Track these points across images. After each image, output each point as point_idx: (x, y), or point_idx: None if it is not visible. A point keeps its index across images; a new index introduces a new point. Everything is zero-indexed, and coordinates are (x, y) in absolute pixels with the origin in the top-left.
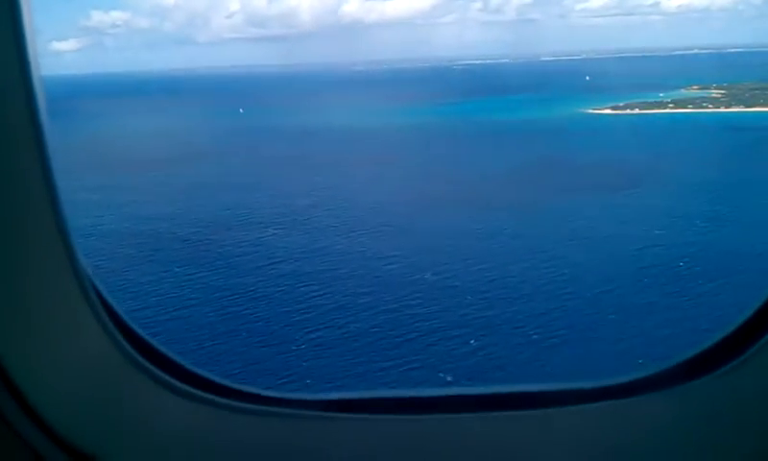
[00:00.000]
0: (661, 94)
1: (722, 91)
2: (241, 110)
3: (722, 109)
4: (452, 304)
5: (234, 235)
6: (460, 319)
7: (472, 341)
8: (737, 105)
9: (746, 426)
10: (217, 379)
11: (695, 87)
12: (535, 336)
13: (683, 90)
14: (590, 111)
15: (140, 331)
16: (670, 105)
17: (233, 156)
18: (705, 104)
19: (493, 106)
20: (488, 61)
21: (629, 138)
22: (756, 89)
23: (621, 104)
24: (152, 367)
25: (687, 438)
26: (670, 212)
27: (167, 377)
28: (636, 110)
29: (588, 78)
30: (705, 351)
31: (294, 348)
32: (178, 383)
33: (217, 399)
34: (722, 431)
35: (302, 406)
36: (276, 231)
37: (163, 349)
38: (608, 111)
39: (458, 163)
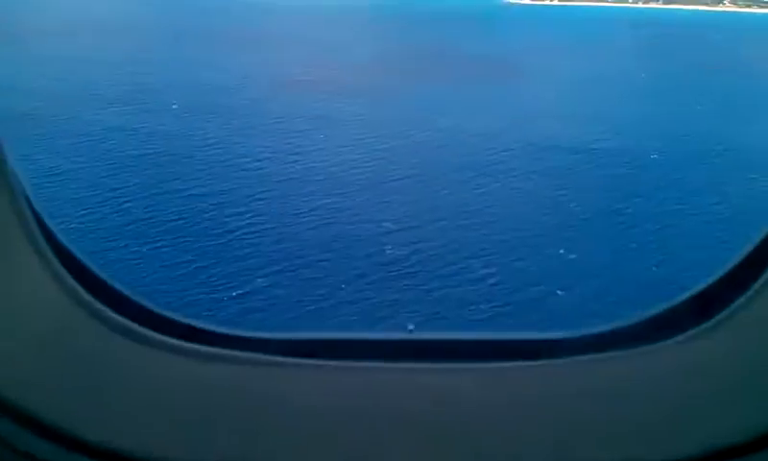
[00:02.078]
0: None
1: None
2: None
3: (639, 5)
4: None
5: None
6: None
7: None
8: (657, 1)
9: (714, 394)
10: (184, 320)
11: None
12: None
13: None
14: (509, 1)
15: (92, 266)
16: None
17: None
18: None
19: None
20: None
21: (523, 30)
22: None
23: None
24: (106, 309)
25: (653, 402)
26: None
27: (127, 322)
28: (556, 2)
29: None
30: (671, 310)
31: None
32: (141, 329)
33: (180, 343)
34: (687, 398)
35: (261, 347)
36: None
37: (119, 286)
38: (527, 2)
39: (336, 49)
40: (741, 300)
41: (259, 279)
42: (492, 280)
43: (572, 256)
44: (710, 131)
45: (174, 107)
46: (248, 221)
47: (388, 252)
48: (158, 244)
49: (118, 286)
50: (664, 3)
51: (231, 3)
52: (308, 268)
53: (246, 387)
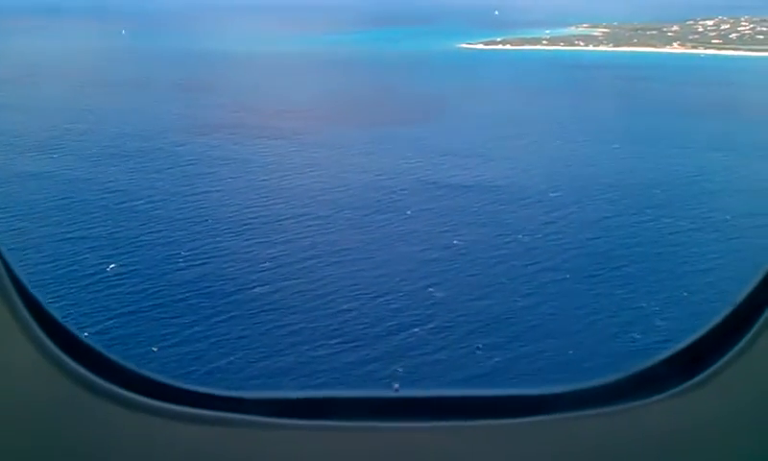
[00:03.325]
0: (548, 31)
1: (605, 30)
2: (123, 32)
3: (589, 48)
4: None
5: None
6: None
7: None
8: (607, 44)
9: (704, 450)
10: (164, 380)
11: (584, 25)
12: None
13: (572, 28)
14: (463, 46)
15: (65, 324)
16: (544, 42)
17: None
18: (577, 42)
19: (381, 36)
20: None
21: (466, 74)
22: (639, 29)
23: (499, 39)
24: (83, 370)
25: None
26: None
27: (105, 384)
28: (508, 46)
29: (497, 12)
30: (659, 364)
31: None
32: (117, 389)
33: (162, 405)
34: (673, 454)
35: (243, 408)
36: None
37: (95, 345)
38: (480, 47)
39: (276, 93)
40: (730, 354)
41: (110, 321)
42: (349, 316)
43: (440, 294)
44: (620, 169)
45: (89, 152)
46: (119, 262)
47: (255, 290)
48: None
49: (100, 349)
50: (614, 46)
51: (187, 51)
52: (163, 308)
53: (229, 449)
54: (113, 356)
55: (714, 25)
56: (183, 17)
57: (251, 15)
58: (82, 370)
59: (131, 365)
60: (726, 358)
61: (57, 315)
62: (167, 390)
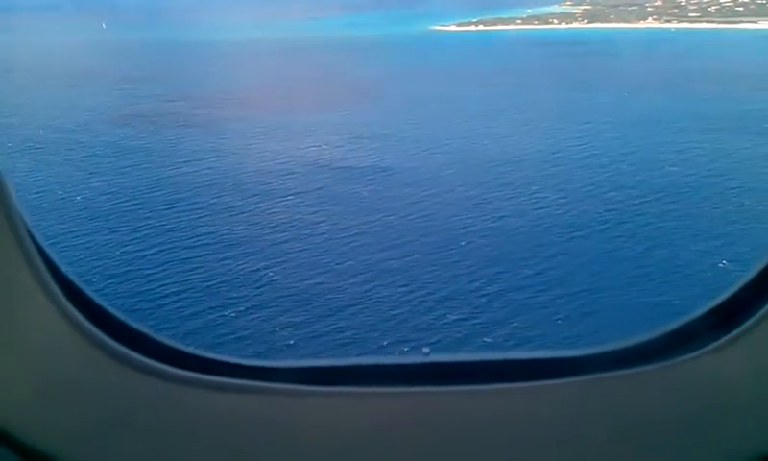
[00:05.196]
0: (529, 10)
1: (588, 7)
2: (103, 25)
3: (562, 26)
4: None
5: None
6: None
7: None
8: (582, 21)
9: (735, 407)
10: (195, 351)
11: (568, 3)
12: None
13: (555, 7)
14: (436, 28)
15: (94, 297)
16: (518, 21)
17: None
18: (551, 20)
19: (357, 21)
20: None
21: (428, 55)
22: (621, 5)
23: (474, 20)
24: (111, 341)
25: (677, 417)
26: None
27: (130, 353)
28: (481, 27)
29: None
30: (691, 323)
31: None
32: (144, 359)
33: (192, 375)
34: (707, 413)
35: (274, 376)
36: None
37: (122, 316)
38: (453, 28)
39: (232, 80)
40: (763, 310)
41: None
42: (169, 300)
43: (275, 277)
44: (523, 145)
45: (7, 146)
46: None
47: (92, 280)
48: None
49: (127, 320)
50: (588, 22)
51: (159, 43)
52: None
53: (261, 416)
54: (145, 329)
55: None
56: (179, 11)
57: (244, 3)
58: (114, 343)
59: (162, 337)
60: (759, 314)
61: (88, 290)
62: (198, 361)
